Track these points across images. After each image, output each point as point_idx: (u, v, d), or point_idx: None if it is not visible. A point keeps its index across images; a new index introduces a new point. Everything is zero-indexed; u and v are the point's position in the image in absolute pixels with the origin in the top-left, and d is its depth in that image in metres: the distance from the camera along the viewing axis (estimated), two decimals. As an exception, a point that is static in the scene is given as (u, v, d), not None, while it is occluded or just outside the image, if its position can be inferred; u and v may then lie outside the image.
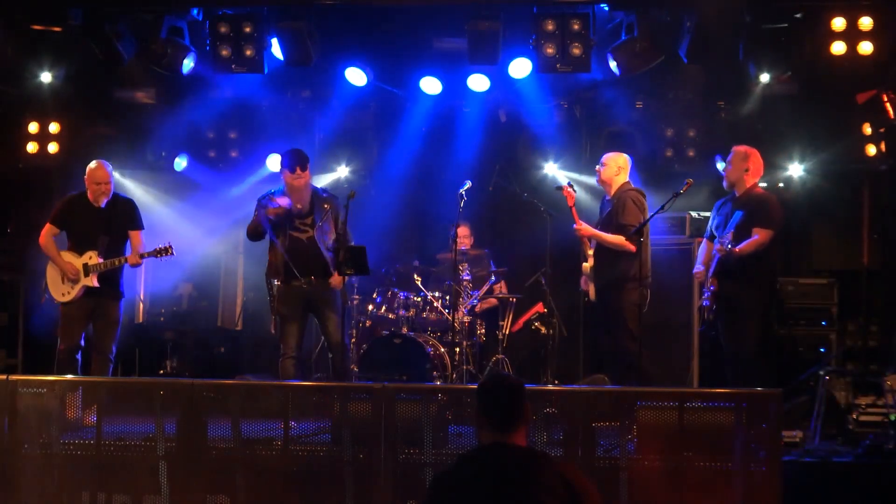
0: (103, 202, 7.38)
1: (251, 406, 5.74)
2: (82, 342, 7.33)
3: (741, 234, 6.74)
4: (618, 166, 7.36)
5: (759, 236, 6.74)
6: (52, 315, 8.62)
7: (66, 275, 7.27)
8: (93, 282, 7.25)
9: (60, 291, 7.31)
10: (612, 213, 7.28)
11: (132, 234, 7.42)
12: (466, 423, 5.95)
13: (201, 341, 9.71)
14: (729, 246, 6.62)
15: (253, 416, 5.70)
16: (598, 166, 7.46)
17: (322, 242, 7.17)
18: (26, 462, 5.66)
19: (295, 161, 7.11)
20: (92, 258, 7.27)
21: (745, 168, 7.00)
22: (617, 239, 7.12)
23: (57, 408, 5.73)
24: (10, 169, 9.02)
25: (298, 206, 7.15)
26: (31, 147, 8.83)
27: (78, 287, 7.25)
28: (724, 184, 7.15)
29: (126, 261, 7.31)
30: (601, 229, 7.32)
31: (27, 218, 9.25)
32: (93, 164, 7.40)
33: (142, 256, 7.29)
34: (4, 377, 5.77)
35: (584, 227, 7.35)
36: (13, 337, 9.04)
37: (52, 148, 8.83)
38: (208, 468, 5.59)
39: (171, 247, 7.33)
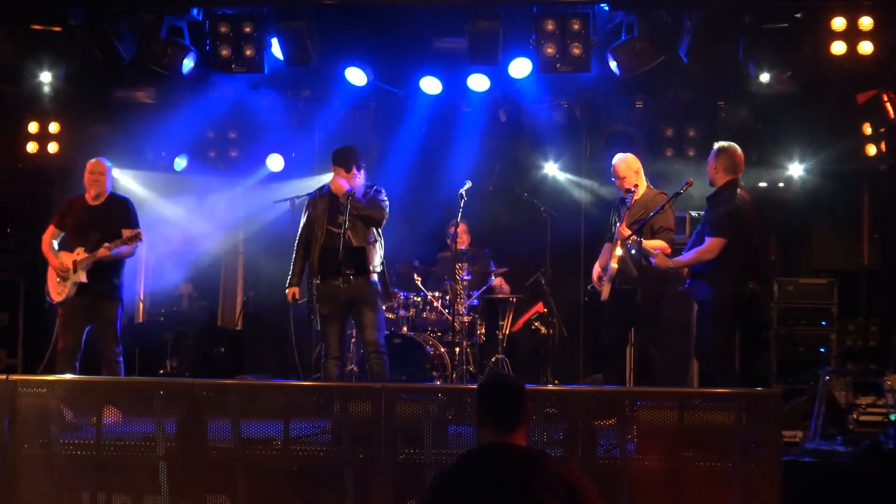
0: (98, 199, 7.31)
1: (251, 406, 5.72)
2: (82, 344, 7.21)
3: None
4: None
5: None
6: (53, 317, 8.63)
7: (57, 272, 7.20)
8: (81, 277, 7.10)
9: (56, 291, 7.23)
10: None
11: (125, 232, 7.20)
12: (466, 423, 5.94)
13: (201, 341, 9.70)
14: None
15: (253, 416, 5.68)
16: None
17: (357, 240, 6.98)
18: (26, 462, 5.65)
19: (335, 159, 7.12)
20: (79, 254, 7.15)
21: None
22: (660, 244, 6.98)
23: (57, 408, 5.73)
24: (10, 169, 9.02)
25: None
26: (31, 147, 8.84)
27: (69, 285, 7.15)
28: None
29: (103, 252, 7.06)
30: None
31: (27, 218, 9.26)
32: (93, 160, 7.39)
33: (109, 248, 7.06)
34: (4, 377, 5.74)
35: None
36: (13, 337, 9.02)
37: (52, 148, 8.84)
38: (208, 468, 5.58)
39: (139, 232, 7.14)
